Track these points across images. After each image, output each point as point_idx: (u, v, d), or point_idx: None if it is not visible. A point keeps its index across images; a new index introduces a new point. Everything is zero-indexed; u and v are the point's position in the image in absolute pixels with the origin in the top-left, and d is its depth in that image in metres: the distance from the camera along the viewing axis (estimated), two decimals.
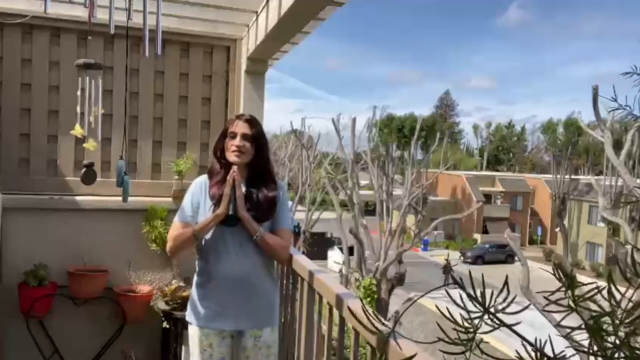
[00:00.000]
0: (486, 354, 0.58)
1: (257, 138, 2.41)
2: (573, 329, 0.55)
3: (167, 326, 3.47)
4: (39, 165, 3.59)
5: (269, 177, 2.45)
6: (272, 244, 2.36)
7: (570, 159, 34.70)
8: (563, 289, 0.57)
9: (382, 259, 18.19)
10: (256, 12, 3.37)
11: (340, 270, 21.07)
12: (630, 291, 0.64)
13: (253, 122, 2.42)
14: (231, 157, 2.38)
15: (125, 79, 3.00)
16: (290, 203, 2.67)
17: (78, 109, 2.64)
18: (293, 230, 2.64)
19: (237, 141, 2.36)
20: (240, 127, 2.38)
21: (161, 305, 3.52)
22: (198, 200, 2.44)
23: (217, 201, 2.37)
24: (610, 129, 10.19)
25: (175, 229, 2.41)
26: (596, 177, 24.63)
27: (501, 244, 31.66)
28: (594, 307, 0.60)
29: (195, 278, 2.46)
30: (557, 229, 34.74)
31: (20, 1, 3.34)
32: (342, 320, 1.93)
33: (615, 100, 1.21)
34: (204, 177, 2.50)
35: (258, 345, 2.38)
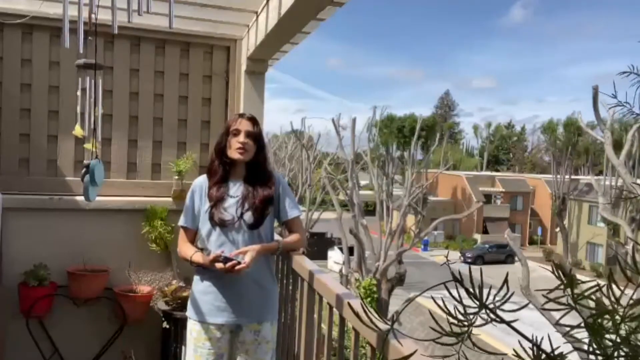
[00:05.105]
0: (478, 347, 0.58)
1: (259, 137, 2.47)
2: (572, 327, 0.55)
3: (167, 326, 3.47)
4: (39, 165, 3.58)
5: (267, 176, 2.47)
6: (293, 244, 2.50)
7: (570, 159, 34.68)
8: (562, 287, 0.57)
9: (382, 259, 18.21)
10: (256, 12, 3.37)
11: (340, 271, 21.08)
12: (631, 289, 0.64)
13: (255, 121, 2.48)
14: (235, 154, 2.40)
15: (95, 75, 2.82)
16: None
17: (78, 109, 2.64)
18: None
19: (242, 138, 2.39)
20: (244, 125, 2.42)
21: (161, 305, 3.53)
22: (199, 204, 2.47)
23: (214, 203, 2.39)
24: (610, 129, 10.20)
25: (181, 236, 2.52)
26: (596, 177, 24.66)
27: (501, 244, 31.64)
28: (593, 306, 0.60)
29: (196, 273, 2.47)
30: (557, 229, 34.76)
31: (20, 1, 3.35)
32: (342, 320, 1.93)
33: (615, 97, 1.21)
34: (203, 178, 2.52)
35: (258, 339, 2.39)
